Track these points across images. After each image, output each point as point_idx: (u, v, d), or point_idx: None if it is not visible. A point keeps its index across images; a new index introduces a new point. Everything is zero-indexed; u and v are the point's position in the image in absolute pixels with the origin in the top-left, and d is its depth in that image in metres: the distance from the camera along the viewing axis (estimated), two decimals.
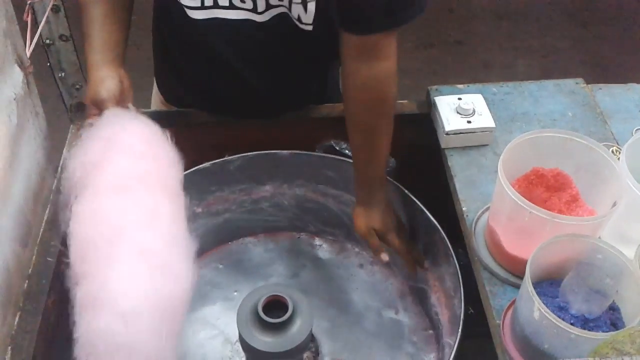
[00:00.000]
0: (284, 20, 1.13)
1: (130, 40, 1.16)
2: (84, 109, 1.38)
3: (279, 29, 1.14)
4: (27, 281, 1.09)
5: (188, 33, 1.19)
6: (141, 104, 1.59)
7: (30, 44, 1.14)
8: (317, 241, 1.40)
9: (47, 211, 1.20)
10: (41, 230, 1.17)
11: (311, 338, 1.15)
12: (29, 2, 1.17)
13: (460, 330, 1.03)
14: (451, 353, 1.01)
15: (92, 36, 1.09)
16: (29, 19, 1.16)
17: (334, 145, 1.29)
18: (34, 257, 1.13)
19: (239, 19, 1.13)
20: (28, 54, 1.14)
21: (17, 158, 1.11)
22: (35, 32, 1.18)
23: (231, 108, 1.32)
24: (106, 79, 1.05)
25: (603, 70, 3.11)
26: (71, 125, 1.37)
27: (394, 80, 1.10)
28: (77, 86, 1.35)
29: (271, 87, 1.27)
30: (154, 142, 1.01)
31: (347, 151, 1.27)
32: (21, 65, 1.13)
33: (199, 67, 1.27)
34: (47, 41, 1.26)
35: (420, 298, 1.28)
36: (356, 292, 1.32)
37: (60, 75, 1.32)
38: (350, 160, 1.24)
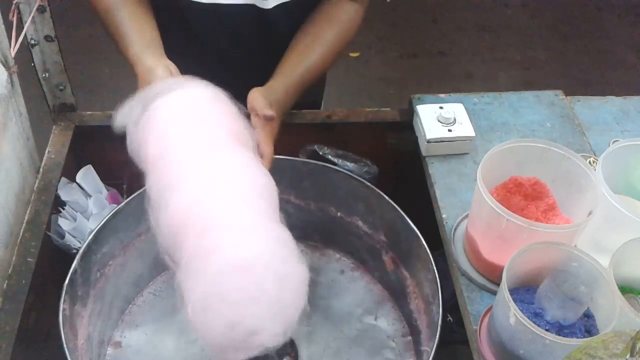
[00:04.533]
0: (284, 7, 1.16)
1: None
2: (67, 110, 1.39)
3: (279, 17, 1.17)
4: (6, 281, 1.09)
5: (184, 21, 1.19)
6: None
7: (15, 43, 1.14)
8: (299, 246, 1.41)
9: (27, 211, 1.20)
10: (22, 230, 1.17)
11: (290, 343, 1.15)
12: (14, 1, 1.17)
13: (437, 335, 1.04)
14: (428, 359, 1.02)
15: (126, 34, 1.08)
16: (14, 19, 1.16)
17: (317, 150, 1.30)
18: (14, 257, 1.12)
19: (242, 4, 1.15)
20: (13, 54, 1.14)
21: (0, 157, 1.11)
22: (21, 32, 1.18)
23: None
24: (155, 68, 1.03)
25: (582, 83, 3.17)
26: (54, 126, 1.37)
27: (357, 23, 1.20)
28: (61, 87, 1.35)
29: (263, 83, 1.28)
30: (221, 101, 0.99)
31: (330, 156, 1.28)
32: (5, 64, 1.13)
33: (191, 60, 1.27)
34: (32, 41, 1.26)
35: (399, 304, 1.29)
36: (336, 298, 1.33)
37: (44, 75, 1.32)
38: (335, 167, 1.25)
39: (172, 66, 1.05)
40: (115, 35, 1.10)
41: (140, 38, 1.08)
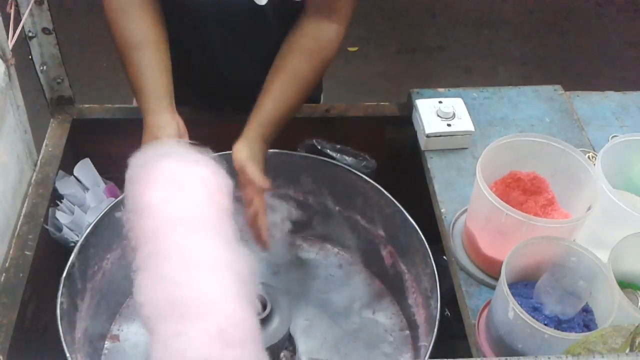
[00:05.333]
0: (276, 3, 1.16)
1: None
2: (65, 103, 1.38)
3: (272, 12, 1.17)
4: (3, 274, 1.09)
5: (186, 14, 1.20)
6: (123, 100, 1.60)
7: (13, 36, 1.14)
8: (298, 241, 1.41)
9: (25, 205, 1.19)
10: (19, 223, 1.16)
11: (289, 336, 1.15)
12: None
13: (435, 330, 1.04)
14: (426, 353, 1.02)
15: (141, 82, 1.09)
16: (11, 11, 1.16)
17: (316, 144, 1.29)
18: (12, 250, 1.12)
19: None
20: (10, 46, 1.14)
21: None
22: (18, 25, 1.17)
23: (215, 101, 1.33)
24: (165, 126, 1.04)
25: (581, 78, 3.16)
26: (51, 119, 1.36)
27: (337, 44, 1.17)
28: (59, 80, 1.35)
29: (258, 78, 1.28)
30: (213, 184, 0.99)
31: (329, 151, 1.28)
32: (3, 57, 1.12)
33: (186, 54, 1.28)
34: (30, 34, 1.25)
35: (398, 298, 1.29)
36: (335, 292, 1.33)
37: (42, 68, 1.31)
38: (333, 161, 1.25)
39: (181, 123, 1.08)
40: (132, 77, 1.11)
41: (154, 89, 1.09)
